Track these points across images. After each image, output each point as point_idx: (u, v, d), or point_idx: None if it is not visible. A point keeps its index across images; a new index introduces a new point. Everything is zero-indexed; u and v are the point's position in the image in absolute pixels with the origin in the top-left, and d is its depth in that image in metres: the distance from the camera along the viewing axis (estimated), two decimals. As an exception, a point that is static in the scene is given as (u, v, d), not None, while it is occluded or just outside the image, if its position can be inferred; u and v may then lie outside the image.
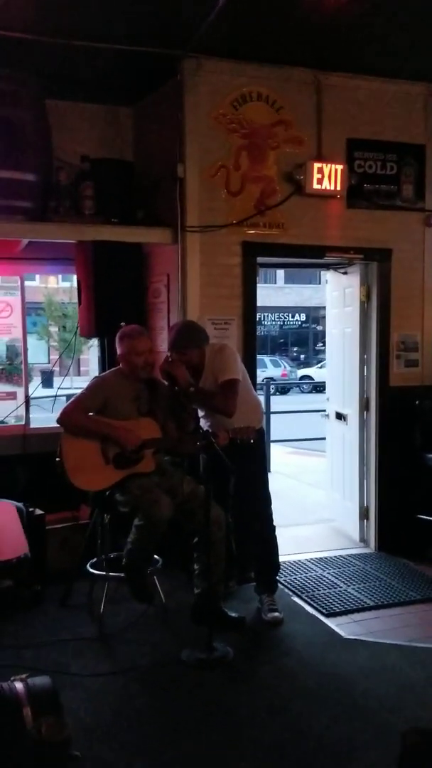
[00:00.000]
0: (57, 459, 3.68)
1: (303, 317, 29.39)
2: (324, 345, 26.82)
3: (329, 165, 4.69)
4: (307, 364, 26.95)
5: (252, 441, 3.92)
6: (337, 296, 5.52)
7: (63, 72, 4.44)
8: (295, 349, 29.82)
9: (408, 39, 4.22)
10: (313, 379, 22.95)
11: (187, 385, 3.75)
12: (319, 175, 4.66)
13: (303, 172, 4.63)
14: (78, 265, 4.61)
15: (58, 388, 7.56)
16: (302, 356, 28.81)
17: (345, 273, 5.29)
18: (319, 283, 28.80)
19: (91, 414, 3.72)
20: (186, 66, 4.38)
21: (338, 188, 4.72)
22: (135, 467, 3.68)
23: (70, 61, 4.26)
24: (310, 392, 21.86)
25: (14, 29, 3.86)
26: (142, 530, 3.60)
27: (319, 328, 30.83)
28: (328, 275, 5.67)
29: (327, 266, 5.33)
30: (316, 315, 30.30)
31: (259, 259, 4.69)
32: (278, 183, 4.67)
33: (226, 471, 3.58)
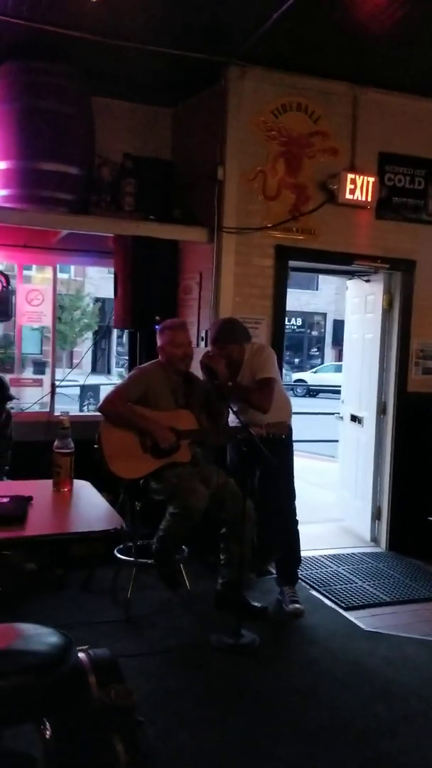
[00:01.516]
0: (95, 446, 3.80)
1: (299, 322, 29.58)
2: (318, 350, 26.97)
3: (362, 177, 4.85)
4: (300, 368, 27.17)
5: (283, 437, 4.10)
6: (358, 303, 5.69)
7: (108, 70, 4.57)
8: (288, 353, 29.99)
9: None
10: (307, 383, 23.16)
11: (226, 379, 3.89)
12: (352, 186, 4.82)
13: (336, 182, 4.79)
14: (116, 259, 4.73)
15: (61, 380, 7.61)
16: (296, 360, 29.01)
17: (368, 281, 5.46)
18: (317, 289, 29.06)
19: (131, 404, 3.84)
20: (231, 73, 4.52)
21: (369, 199, 4.88)
22: (172, 457, 3.81)
23: (117, 60, 4.38)
24: (304, 396, 22.07)
25: (67, 26, 3.98)
26: (176, 518, 3.72)
27: (314, 333, 31.10)
28: (349, 282, 5.83)
29: (352, 274, 5.49)
30: (311, 320, 30.55)
31: (291, 263, 4.83)
32: (312, 190, 4.83)
33: (261, 462, 3.73)
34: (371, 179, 4.87)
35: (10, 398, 4.33)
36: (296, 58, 4.48)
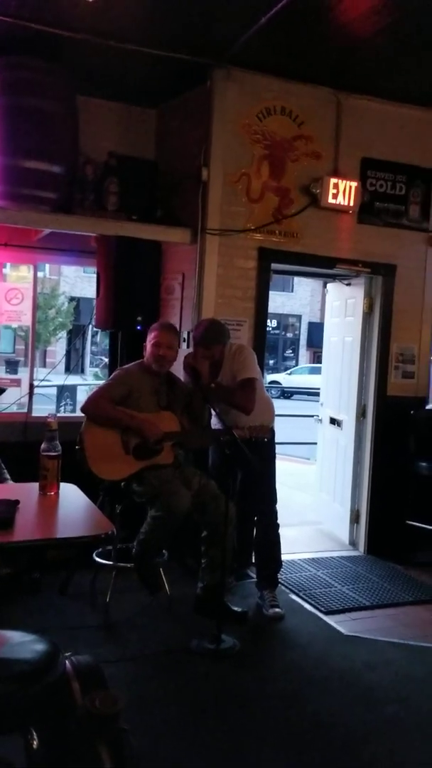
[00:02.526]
0: (77, 447, 3.76)
1: (274, 323, 29.69)
2: (292, 352, 27.07)
3: (344, 181, 4.88)
4: (275, 369, 27.26)
5: (266, 440, 4.09)
6: (338, 306, 5.72)
7: (94, 69, 4.53)
8: (265, 355, 30.11)
9: (426, 68, 4.44)
10: (281, 385, 23.25)
11: (208, 381, 3.88)
12: (335, 191, 4.84)
13: (319, 186, 4.80)
14: (99, 259, 4.68)
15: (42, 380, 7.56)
16: (271, 362, 29.11)
17: (348, 284, 5.49)
18: (292, 291, 29.21)
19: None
20: (216, 75, 4.51)
21: (351, 204, 4.91)
22: (154, 459, 3.78)
23: (103, 59, 4.35)
24: (278, 397, 22.12)
25: (53, 25, 3.93)
26: (158, 521, 3.69)
27: (289, 335, 31.24)
28: (329, 285, 5.86)
29: (333, 276, 5.51)
30: (286, 322, 30.69)
31: (273, 266, 4.83)
32: (295, 194, 4.84)
33: (244, 465, 3.72)
34: (354, 184, 4.90)
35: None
36: (282, 62, 4.49)
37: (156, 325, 3.94)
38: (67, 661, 2.52)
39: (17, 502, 2.18)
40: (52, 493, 2.40)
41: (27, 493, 2.37)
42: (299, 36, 4.07)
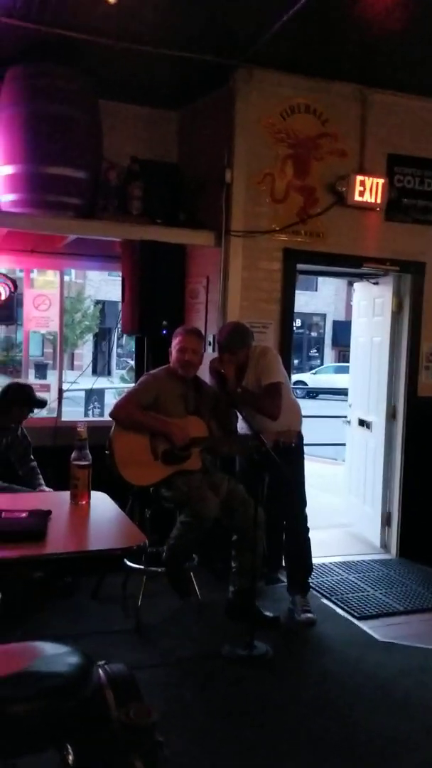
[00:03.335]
0: (106, 452, 3.75)
1: (298, 323, 29.50)
2: (317, 351, 26.86)
3: (371, 178, 4.80)
4: (300, 369, 27.11)
5: (293, 445, 4.05)
6: (366, 305, 5.64)
7: (116, 73, 4.51)
8: (288, 354, 29.96)
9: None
10: (306, 385, 23.11)
11: (234, 386, 3.84)
12: (361, 188, 4.77)
13: (345, 184, 4.73)
14: (124, 264, 4.68)
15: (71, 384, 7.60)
16: (296, 361, 28.95)
17: (376, 283, 5.41)
18: (316, 290, 29.01)
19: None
20: (238, 75, 4.47)
21: (378, 201, 4.83)
22: (183, 464, 3.76)
23: (124, 63, 4.33)
24: (304, 398, 22.00)
25: (74, 29, 3.92)
26: (187, 527, 3.68)
27: (313, 334, 31.05)
28: (356, 285, 5.78)
29: (360, 276, 5.44)
30: (311, 321, 30.49)
31: (299, 266, 4.78)
32: (321, 193, 4.77)
33: (273, 469, 3.68)
34: (380, 181, 4.82)
35: (41, 404, 4.29)
36: (304, 60, 4.43)
37: (180, 330, 3.91)
38: (100, 671, 2.50)
39: (49, 512, 2.17)
40: (84, 502, 2.39)
41: (59, 502, 2.36)
42: (322, 32, 4.00)
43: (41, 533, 2.00)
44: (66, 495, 2.42)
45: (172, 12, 3.79)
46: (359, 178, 4.75)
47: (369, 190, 4.79)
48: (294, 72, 4.58)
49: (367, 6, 3.65)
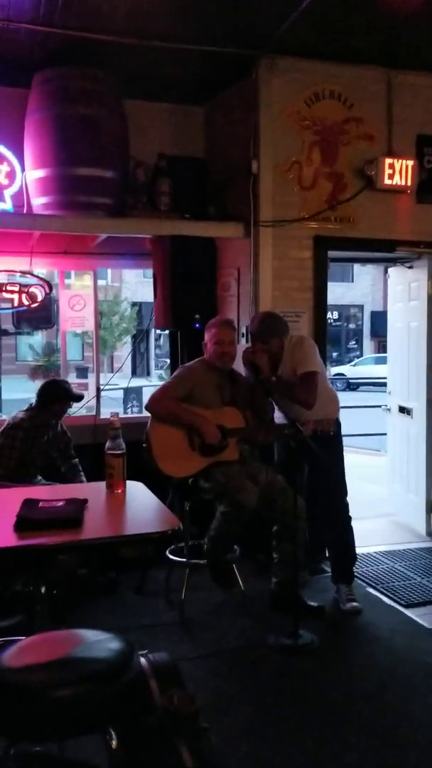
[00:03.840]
0: (144, 445, 3.78)
1: (336, 315, 29.27)
2: (356, 343, 26.64)
3: (400, 161, 4.73)
4: (339, 362, 26.88)
5: (332, 433, 4.01)
6: (401, 290, 5.55)
7: (139, 72, 4.54)
8: (327, 347, 29.75)
9: None
10: (346, 377, 22.89)
11: (269, 375, 3.83)
12: (390, 171, 4.70)
13: (374, 168, 4.67)
14: (155, 260, 4.71)
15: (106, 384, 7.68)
16: (335, 354, 28.72)
17: (411, 267, 5.32)
18: (352, 281, 28.71)
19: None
20: (261, 65, 4.46)
21: (408, 183, 4.75)
22: (220, 455, 3.77)
23: (147, 61, 4.36)
24: (344, 390, 21.80)
25: (96, 31, 3.96)
26: (227, 517, 3.68)
27: (351, 326, 30.72)
28: (391, 270, 5.70)
29: (394, 261, 5.36)
30: (347, 313, 30.19)
31: (330, 254, 4.74)
32: (349, 178, 4.72)
33: (310, 459, 3.66)
34: (410, 163, 4.74)
35: (78, 398, 4.34)
36: (326, 45, 4.38)
37: (214, 322, 3.92)
38: (143, 659, 2.52)
39: (85, 501, 2.19)
40: (119, 491, 2.41)
41: (95, 492, 2.40)
42: (343, 16, 3.95)
43: (78, 520, 2.03)
44: (102, 485, 2.45)
45: (192, 7, 3.80)
46: (388, 161, 4.69)
47: (398, 172, 4.72)
48: (317, 58, 4.53)
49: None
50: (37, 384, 4.43)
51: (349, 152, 4.72)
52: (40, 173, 4.35)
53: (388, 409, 5.81)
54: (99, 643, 1.92)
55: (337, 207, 4.69)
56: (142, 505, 2.34)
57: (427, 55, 4.54)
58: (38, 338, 22.01)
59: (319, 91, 4.63)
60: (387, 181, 4.69)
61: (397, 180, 4.72)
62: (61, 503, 2.14)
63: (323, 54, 4.51)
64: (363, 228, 4.76)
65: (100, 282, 24.65)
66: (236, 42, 4.23)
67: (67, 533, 1.97)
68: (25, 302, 4.59)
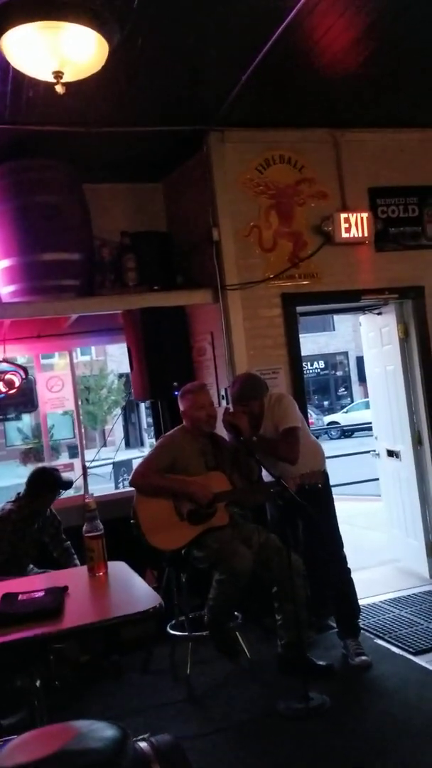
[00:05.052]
0: (132, 521, 3.76)
1: (322, 364, 29.54)
2: (345, 390, 26.72)
3: (355, 214, 4.89)
4: (331, 410, 26.96)
5: (319, 485, 4.01)
6: (374, 336, 5.65)
7: (93, 156, 4.71)
8: (317, 397, 29.88)
9: (412, 90, 4.47)
10: (340, 424, 22.92)
11: (250, 435, 3.85)
12: (347, 225, 4.86)
13: (331, 224, 4.83)
14: (127, 334, 4.79)
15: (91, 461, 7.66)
16: (325, 403, 28.83)
17: (380, 314, 5.43)
18: (333, 330, 29.08)
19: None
20: (211, 139, 4.65)
21: (366, 235, 4.91)
22: (210, 522, 3.74)
23: (97, 146, 4.53)
24: (339, 438, 21.80)
25: (48, 123, 4.13)
26: (224, 584, 3.63)
27: (339, 373, 30.94)
28: (361, 318, 5.81)
29: (362, 309, 5.48)
30: (334, 361, 30.46)
31: (300, 308, 4.84)
32: (308, 236, 4.87)
33: (302, 514, 3.64)
34: (365, 215, 4.91)
35: (68, 485, 4.33)
36: (271, 113, 4.59)
37: (187, 390, 3.95)
38: (145, 743, 2.45)
39: (66, 588, 2.17)
40: (101, 573, 2.39)
41: (77, 576, 2.37)
42: (283, 84, 4.14)
43: (57, 610, 2.00)
44: (84, 569, 2.43)
45: (137, 91, 3.97)
46: (343, 215, 4.85)
47: (354, 225, 4.88)
48: (264, 126, 4.74)
49: (323, 50, 3.77)
50: (30, 468, 4.42)
51: (305, 211, 4.88)
52: (6, 263, 4.47)
53: (377, 454, 5.81)
54: (91, 733, 1.86)
55: (300, 264, 4.83)
56: (124, 586, 2.32)
57: (368, 111, 4.76)
58: (27, 421, 22.03)
59: (269, 157, 4.82)
60: (344, 235, 4.84)
61: (354, 233, 4.88)
62: (40, 593, 2.11)
63: (269, 121, 4.71)
64: (327, 281, 4.89)
65: (85, 358, 24.97)
66: (185, 120, 4.42)
67: (48, 624, 1.94)
68: (3, 389, 4.63)
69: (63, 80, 2.84)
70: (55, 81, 2.85)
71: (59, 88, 2.88)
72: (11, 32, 2.75)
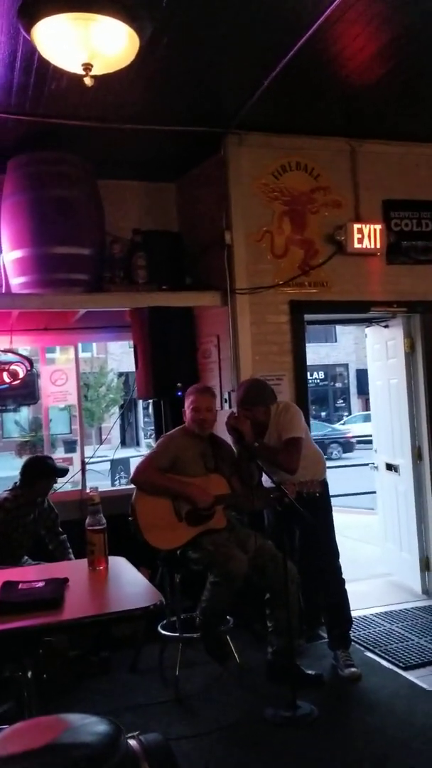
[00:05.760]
0: (130, 518, 3.75)
1: (322, 375, 29.54)
2: (344, 401, 26.72)
3: (368, 225, 4.90)
4: (329, 421, 26.92)
5: (318, 494, 4.00)
6: (379, 349, 5.65)
7: (110, 153, 4.72)
8: (314, 407, 29.89)
9: (430, 108, 4.49)
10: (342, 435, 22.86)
11: (251, 441, 3.84)
12: (359, 235, 4.86)
13: (343, 233, 4.83)
14: (134, 332, 4.79)
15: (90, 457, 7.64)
16: (323, 414, 28.81)
17: (386, 326, 5.43)
18: (335, 341, 29.11)
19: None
20: (229, 142, 4.66)
21: (378, 246, 4.91)
22: (207, 524, 3.73)
23: (117, 142, 4.54)
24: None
25: (67, 116, 4.14)
26: (217, 587, 3.62)
27: (338, 385, 30.95)
28: (367, 330, 5.81)
29: (370, 321, 5.48)
30: (334, 372, 30.47)
31: (307, 317, 4.84)
32: (320, 244, 4.88)
33: (300, 521, 3.63)
34: (378, 227, 4.91)
35: (63, 472, 4.31)
36: (291, 119, 4.60)
37: (192, 390, 3.96)
38: (134, 741, 2.43)
39: (66, 580, 2.16)
40: (101, 567, 2.38)
41: (77, 570, 2.36)
42: (305, 91, 4.16)
43: (57, 601, 1.99)
44: (84, 562, 2.42)
45: (160, 90, 3.99)
46: (356, 226, 4.85)
47: (367, 236, 4.88)
48: (282, 132, 4.75)
49: (346, 61, 3.79)
50: (25, 460, 4.41)
51: (318, 220, 4.89)
52: (18, 254, 4.46)
53: (376, 467, 5.81)
54: (84, 727, 1.85)
55: (310, 272, 4.83)
56: (124, 581, 2.31)
57: (387, 123, 4.77)
58: (24, 414, 22.02)
59: (286, 164, 4.83)
60: (357, 245, 4.84)
61: (366, 244, 4.88)
62: (41, 584, 2.10)
63: (288, 128, 4.72)
64: (337, 291, 4.89)
65: (86, 354, 24.97)
66: (204, 121, 4.43)
67: (47, 615, 1.93)
68: (7, 380, 4.62)
69: (91, 73, 2.84)
70: (83, 73, 2.85)
71: (88, 81, 2.89)
72: (43, 22, 2.76)
